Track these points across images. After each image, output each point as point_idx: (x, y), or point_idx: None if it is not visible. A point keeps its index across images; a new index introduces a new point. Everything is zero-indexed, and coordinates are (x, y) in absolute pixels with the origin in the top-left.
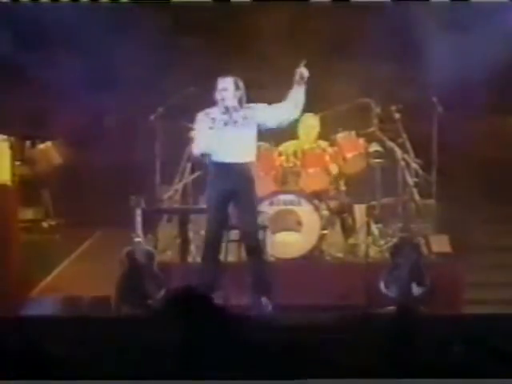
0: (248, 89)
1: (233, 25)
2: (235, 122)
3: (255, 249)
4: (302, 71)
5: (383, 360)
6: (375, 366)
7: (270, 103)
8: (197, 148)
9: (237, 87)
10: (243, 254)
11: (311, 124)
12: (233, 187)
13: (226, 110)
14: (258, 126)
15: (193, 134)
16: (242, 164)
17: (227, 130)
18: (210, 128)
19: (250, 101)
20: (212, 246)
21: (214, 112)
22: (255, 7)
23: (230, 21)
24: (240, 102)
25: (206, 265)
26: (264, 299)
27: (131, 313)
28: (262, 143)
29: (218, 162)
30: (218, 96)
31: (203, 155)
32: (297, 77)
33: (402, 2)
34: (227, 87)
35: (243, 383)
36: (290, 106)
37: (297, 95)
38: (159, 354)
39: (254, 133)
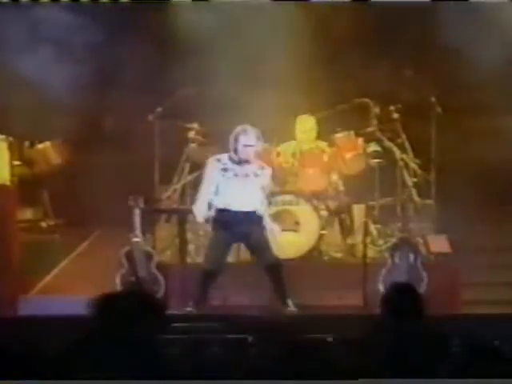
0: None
1: (231, 25)
2: (246, 175)
3: (280, 276)
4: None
5: (382, 360)
6: (374, 366)
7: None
8: (199, 212)
9: (258, 141)
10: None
11: (308, 125)
12: (241, 231)
13: (239, 161)
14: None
15: (203, 185)
16: (251, 213)
17: (237, 180)
18: (222, 176)
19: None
20: (210, 275)
21: (224, 160)
22: (254, 7)
23: (228, 21)
24: (256, 154)
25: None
26: (289, 301)
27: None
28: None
29: (226, 210)
30: (238, 147)
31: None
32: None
33: (399, 0)
34: (252, 144)
35: (243, 383)
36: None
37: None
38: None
39: (260, 187)
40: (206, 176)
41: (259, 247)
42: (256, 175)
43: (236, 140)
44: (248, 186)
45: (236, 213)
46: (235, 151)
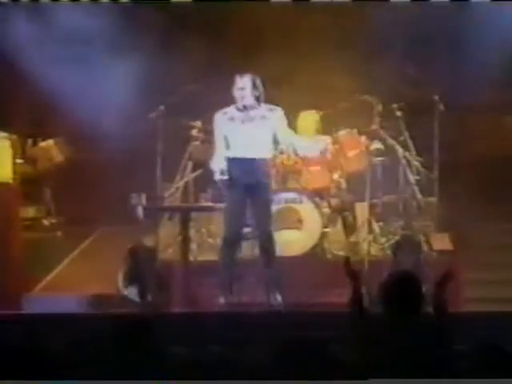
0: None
1: (234, 23)
2: (252, 119)
3: (269, 247)
4: None
5: (385, 359)
6: (376, 364)
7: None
8: (216, 166)
9: (254, 86)
10: (256, 251)
11: (310, 121)
12: (249, 182)
13: (244, 107)
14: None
15: (214, 136)
16: (258, 160)
17: (244, 126)
18: (229, 126)
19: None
20: (231, 244)
21: (231, 110)
22: (255, 5)
23: (231, 19)
24: (257, 99)
25: (224, 263)
26: (278, 296)
27: (133, 311)
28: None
29: (235, 158)
30: (235, 93)
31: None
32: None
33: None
34: (245, 86)
35: (243, 383)
36: (305, 145)
37: (316, 147)
38: (160, 353)
39: (269, 132)
40: (215, 132)
41: (260, 210)
42: (263, 118)
43: (233, 87)
44: (256, 130)
45: (244, 160)
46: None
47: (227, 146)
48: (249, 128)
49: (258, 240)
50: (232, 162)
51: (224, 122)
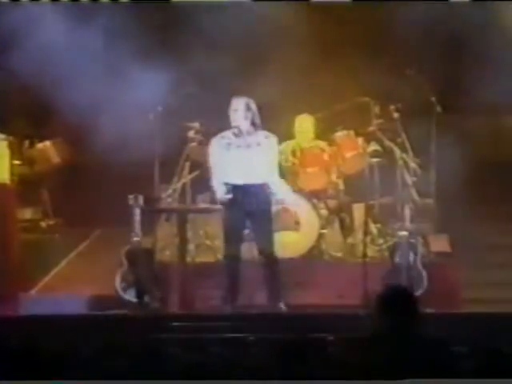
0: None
1: (231, 24)
2: (248, 145)
3: (272, 263)
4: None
5: (382, 360)
6: (374, 365)
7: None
8: (218, 191)
9: (248, 108)
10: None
11: (306, 124)
12: (249, 208)
13: (239, 132)
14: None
15: (210, 161)
16: (256, 185)
17: (240, 152)
18: (226, 151)
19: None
20: (231, 259)
21: (227, 136)
22: (254, 6)
23: (228, 20)
24: (253, 124)
25: (228, 274)
26: (282, 304)
27: (130, 312)
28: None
29: (233, 184)
30: (230, 117)
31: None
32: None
33: (400, 1)
34: (238, 108)
35: (243, 383)
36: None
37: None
38: (158, 353)
39: (266, 158)
40: (211, 156)
41: (261, 232)
42: (259, 144)
43: (229, 109)
44: (252, 157)
45: (241, 187)
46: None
47: (224, 172)
48: (246, 154)
49: (260, 257)
50: (230, 188)
51: (220, 147)
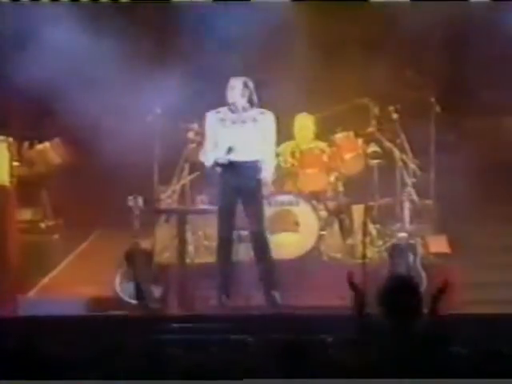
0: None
1: (230, 25)
2: (243, 121)
3: (262, 248)
4: None
5: (382, 360)
6: (374, 366)
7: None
8: (206, 159)
9: (245, 86)
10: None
11: (305, 124)
12: (240, 185)
13: (235, 108)
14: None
15: (205, 134)
16: (248, 162)
17: (234, 128)
18: (221, 126)
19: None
20: (225, 247)
21: (223, 111)
22: (253, 6)
23: (227, 20)
24: (250, 101)
25: (220, 265)
26: (276, 293)
27: (130, 313)
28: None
29: (225, 159)
30: (227, 94)
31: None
32: None
33: (396, 1)
34: (235, 86)
35: (243, 383)
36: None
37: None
38: (157, 353)
39: (260, 135)
40: (206, 129)
41: (252, 210)
42: (255, 120)
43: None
44: (246, 133)
45: (235, 163)
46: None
47: (217, 147)
48: (239, 130)
49: (251, 240)
50: (223, 164)
51: (215, 121)
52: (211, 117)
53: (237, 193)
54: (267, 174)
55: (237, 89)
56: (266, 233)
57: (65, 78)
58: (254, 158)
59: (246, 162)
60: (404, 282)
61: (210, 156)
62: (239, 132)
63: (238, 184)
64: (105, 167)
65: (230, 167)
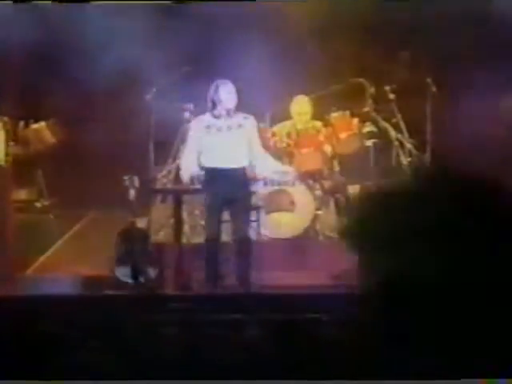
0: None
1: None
2: (229, 127)
3: (246, 249)
4: None
5: (377, 340)
6: (368, 346)
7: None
8: (186, 171)
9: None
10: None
11: (303, 105)
12: (227, 193)
13: (219, 115)
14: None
15: (187, 146)
16: (236, 169)
17: (220, 135)
18: (206, 134)
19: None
20: (212, 243)
21: (207, 118)
22: None
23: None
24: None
25: (208, 257)
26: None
27: (125, 293)
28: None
29: (212, 168)
30: (220, 97)
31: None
32: None
33: None
34: (231, 91)
35: (243, 383)
36: (267, 166)
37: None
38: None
39: (246, 139)
40: (189, 137)
41: (239, 217)
42: (239, 126)
43: (217, 92)
44: (233, 139)
45: (222, 171)
46: (215, 105)
47: (202, 153)
48: (226, 137)
49: (235, 243)
50: (209, 172)
51: (199, 129)
52: (195, 125)
53: (224, 201)
54: (260, 170)
55: (233, 94)
56: (250, 239)
57: (59, 57)
58: (243, 164)
59: (236, 170)
60: None
61: (191, 166)
62: (226, 139)
63: (226, 193)
64: (100, 147)
65: (217, 175)
